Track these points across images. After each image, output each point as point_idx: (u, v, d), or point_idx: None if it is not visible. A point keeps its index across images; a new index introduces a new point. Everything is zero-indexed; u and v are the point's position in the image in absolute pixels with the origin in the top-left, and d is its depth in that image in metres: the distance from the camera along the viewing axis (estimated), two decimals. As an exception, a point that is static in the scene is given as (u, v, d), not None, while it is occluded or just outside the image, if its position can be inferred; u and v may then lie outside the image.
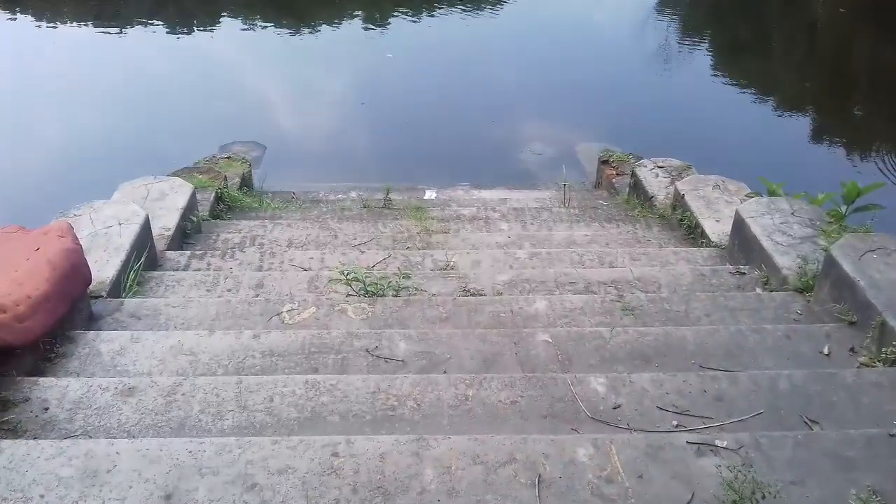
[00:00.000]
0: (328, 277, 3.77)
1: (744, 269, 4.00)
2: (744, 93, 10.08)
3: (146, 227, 3.94)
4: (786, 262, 3.69)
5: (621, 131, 8.74)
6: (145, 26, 11.90)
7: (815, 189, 4.74)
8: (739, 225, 4.16)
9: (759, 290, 3.76)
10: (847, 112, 9.63)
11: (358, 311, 3.32)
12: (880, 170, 7.69)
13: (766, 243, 3.87)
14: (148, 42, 11.32)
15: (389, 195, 5.87)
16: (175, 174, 5.68)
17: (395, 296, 3.52)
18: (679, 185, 5.13)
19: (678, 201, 5.11)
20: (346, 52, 11.15)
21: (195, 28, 11.98)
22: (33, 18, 12.27)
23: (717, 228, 4.61)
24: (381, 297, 3.48)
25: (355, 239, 4.74)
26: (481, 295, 3.68)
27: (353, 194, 6.66)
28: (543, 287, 3.80)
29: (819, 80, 10.71)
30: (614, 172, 6.92)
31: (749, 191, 5.00)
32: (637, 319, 3.33)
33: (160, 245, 4.25)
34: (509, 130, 8.77)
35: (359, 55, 11.15)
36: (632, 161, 6.99)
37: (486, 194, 6.87)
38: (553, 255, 4.38)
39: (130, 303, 3.34)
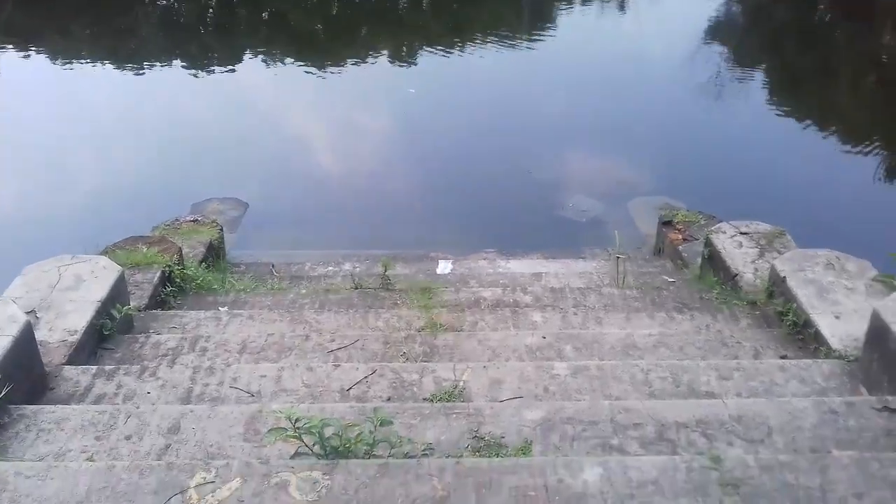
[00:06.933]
0: (276, 417, 2.74)
1: (893, 402, 2.87)
2: (825, 135, 8.96)
3: (25, 339, 2.97)
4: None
5: (680, 182, 7.68)
6: (164, 65, 11.33)
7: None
8: (881, 333, 3.04)
9: (925, 441, 2.64)
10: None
11: (305, 487, 2.27)
12: None
13: (930, 366, 2.77)
14: (160, 82, 10.65)
15: (388, 272, 4.84)
16: (115, 247, 4.76)
17: (368, 455, 2.47)
18: (778, 263, 4.04)
19: (777, 285, 4.01)
20: (365, 89, 10.31)
21: (212, 68, 11.31)
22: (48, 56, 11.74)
23: (839, 329, 3.49)
24: (346, 457, 2.43)
25: (333, 341, 3.72)
26: (501, 449, 2.61)
27: (347, 266, 5.68)
28: (595, 433, 2.72)
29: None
30: (680, 237, 5.83)
31: (875, 273, 3.88)
32: (747, 505, 2.23)
33: (58, 357, 3.28)
34: (547, 182, 7.72)
35: (379, 92, 10.29)
36: (702, 222, 5.91)
37: (516, 266, 5.82)
38: (606, 370, 3.29)
39: (-37, 470, 2.34)
